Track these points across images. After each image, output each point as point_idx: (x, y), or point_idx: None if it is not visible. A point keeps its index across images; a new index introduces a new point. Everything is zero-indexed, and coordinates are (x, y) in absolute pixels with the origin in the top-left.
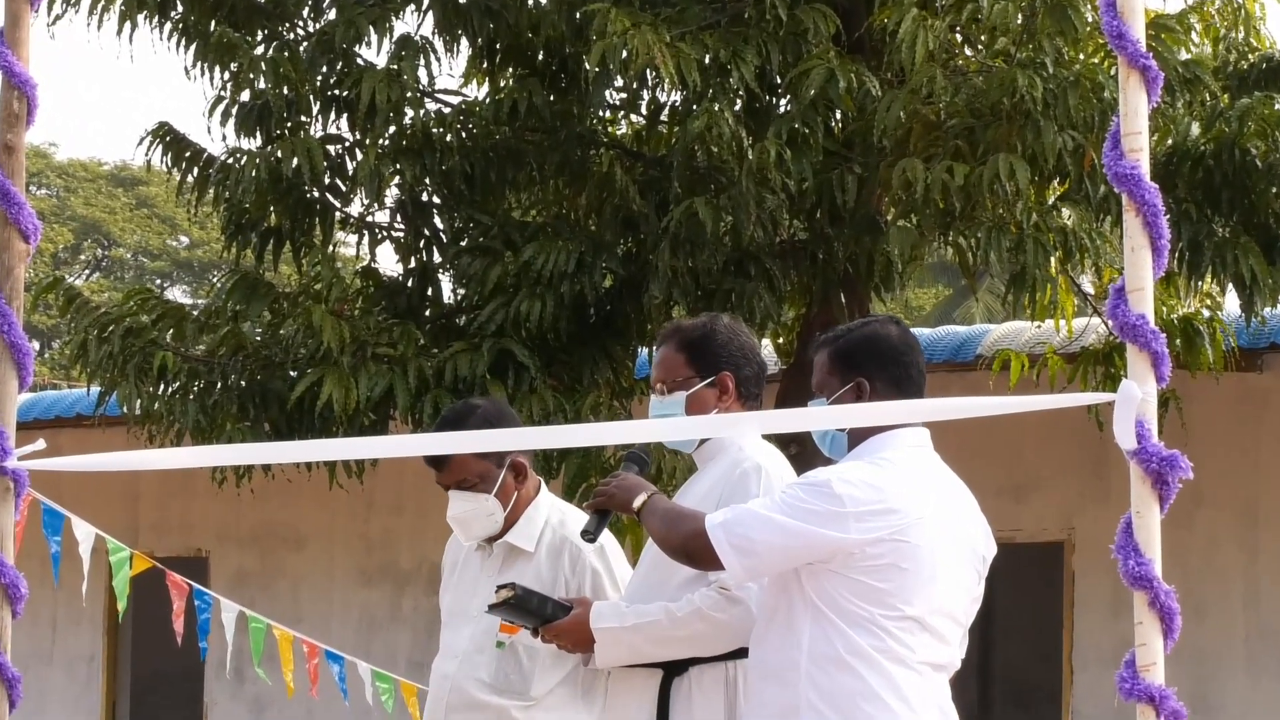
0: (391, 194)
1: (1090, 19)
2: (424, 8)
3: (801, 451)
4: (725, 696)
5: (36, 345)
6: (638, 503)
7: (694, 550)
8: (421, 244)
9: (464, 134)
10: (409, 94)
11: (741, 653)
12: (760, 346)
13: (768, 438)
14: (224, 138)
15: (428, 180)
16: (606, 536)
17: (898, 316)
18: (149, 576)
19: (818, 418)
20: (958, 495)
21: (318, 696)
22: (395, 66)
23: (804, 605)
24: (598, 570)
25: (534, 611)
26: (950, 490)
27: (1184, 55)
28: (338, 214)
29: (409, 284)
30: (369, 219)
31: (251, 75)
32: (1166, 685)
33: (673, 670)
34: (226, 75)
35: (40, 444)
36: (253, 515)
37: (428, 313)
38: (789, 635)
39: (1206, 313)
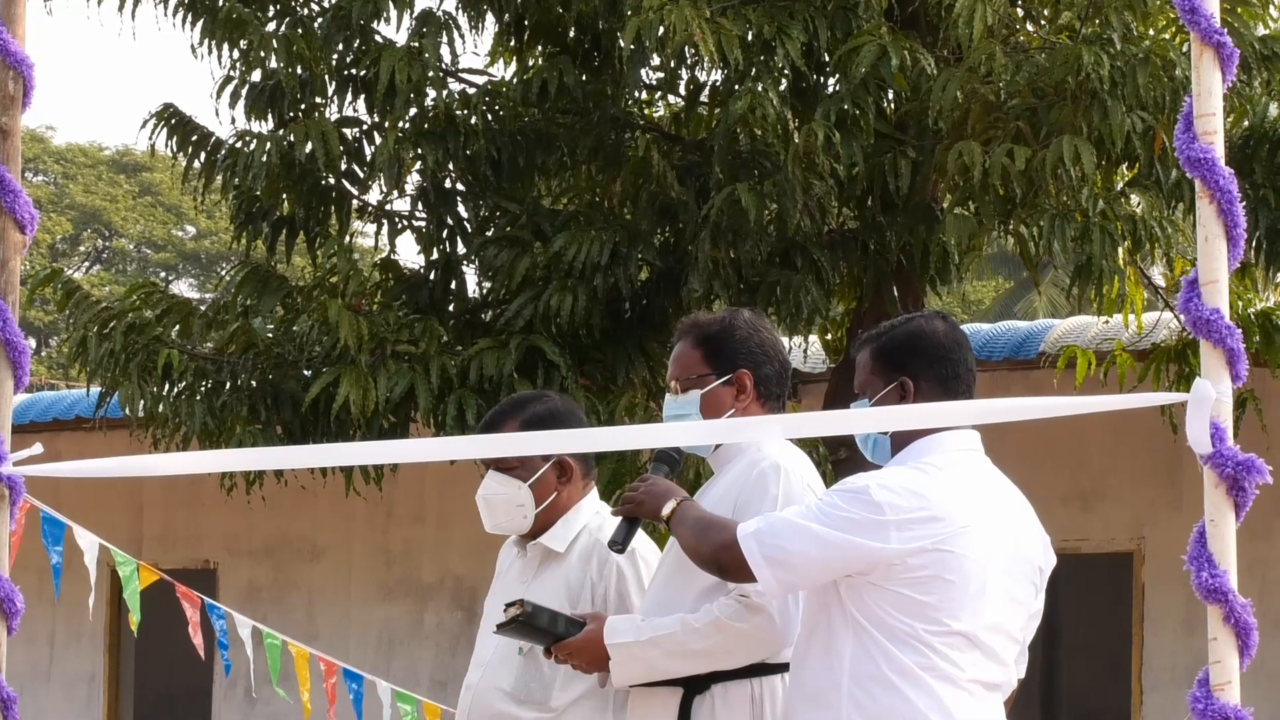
0: (412, 180)
1: None
2: None
3: (852, 456)
4: (751, 715)
5: (33, 342)
6: (666, 510)
7: (725, 562)
8: (444, 234)
9: (490, 116)
10: (431, 74)
11: (767, 668)
12: (784, 344)
13: (808, 441)
14: (233, 120)
15: (451, 166)
16: (642, 540)
17: (945, 312)
18: (152, 591)
19: (855, 421)
20: (1011, 502)
21: (335, 718)
22: (416, 44)
23: (844, 621)
24: (624, 574)
25: (544, 629)
26: (1002, 497)
27: (1261, 30)
28: (355, 202)
29: (431, 277)
30: (388, 207)
31: (262, 53)
32: (1243, 705)
33: (694, 688)
34: (235, 54)
35: (37, 448)
36: (264, 525)
37: (451, 308)
38: (829, 654)
39: None
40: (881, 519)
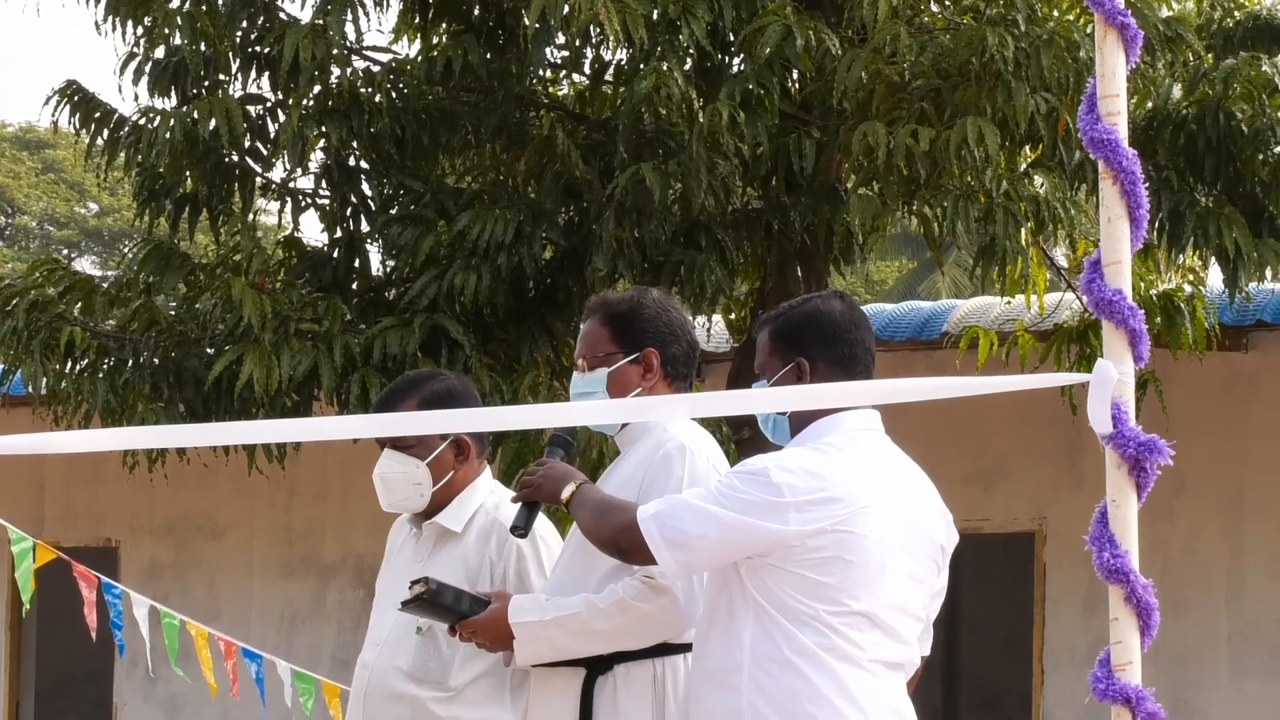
0: (316, 158)
1: None
2: None
3: (754, 435)
4: (654, 695)
5: None
6: (566, 493)
7: (625, 545)
8: (348, 212)
9: (394, 94)
10: (335, 51)
11: (669, 648)
12: (692, 324)
13: (711, 420)
14: (136, 97)
15: (355, 144)
16: (542, 521)
17: (844, 292)
18: (55, 569)
19: (758, 401)
20: (911, 481)
21: (238, 696)
22: (320, 21)
23: (745, 603)
24: (524, 554)
25: (449, 607)
26: (902, 476)
27: (1165, 12)
28: (258, 179)
29: (335, 255)
30: (292, 185)
31: (166, 30)
32: (1144, 686)
33: (597, 668)
34: (140, 30)
35: None
36: (166, 503)
37: (355, 286)
38: (730, 636)
39: (1188, 288)
40: (780, 500)
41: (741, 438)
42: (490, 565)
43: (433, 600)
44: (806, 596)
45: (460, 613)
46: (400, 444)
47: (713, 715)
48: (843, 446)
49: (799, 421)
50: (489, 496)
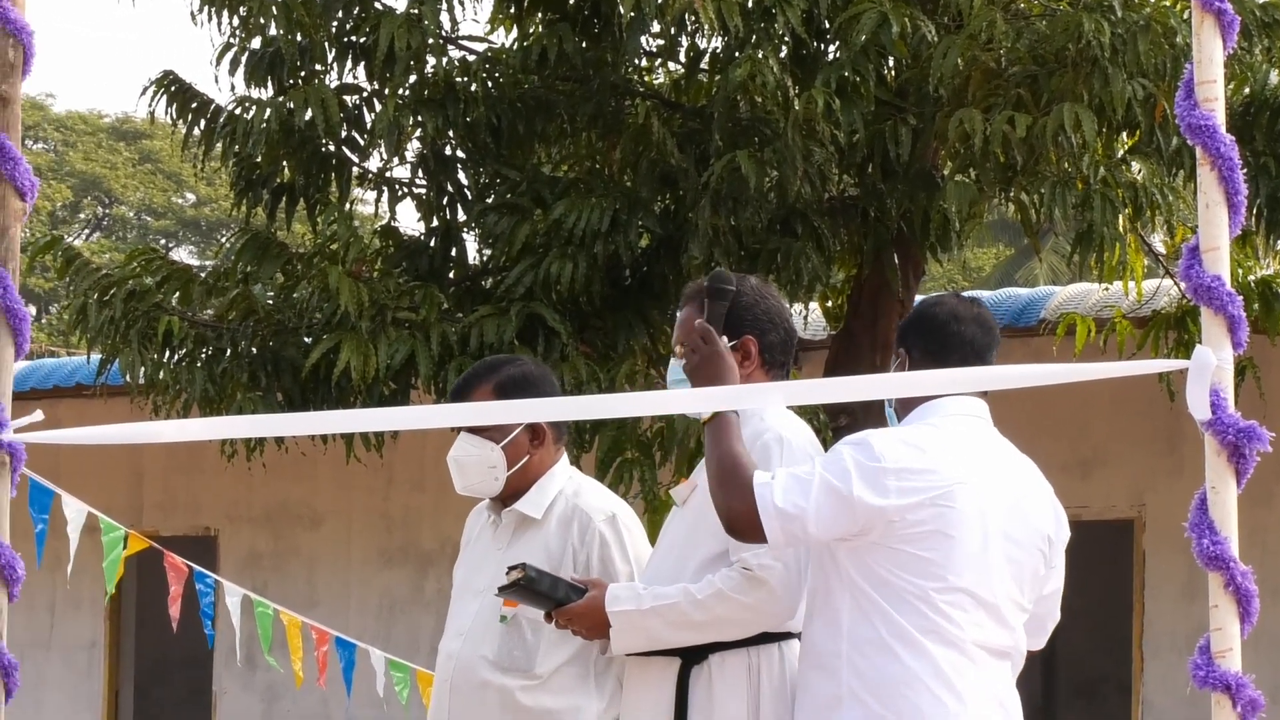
0: (412, 148)
1: None
2: None
3: (852, 423)
4: (749, 685)
5: (33, 310)
6: (707, 413)
7: (739, 510)
8: (445, 201)
9: (490, 83)
10: (430, 40)
11: (765, 638)
12: (791, 311)
13: (807, 408)
14: (233, 88)
15: (451, 133)
16: (621, 505)
17: (967, 294)
18: (155, 558)
19: (857, 388)
20: (1017, 468)
21: (325, 686)
22: (416, 11)
23: (843, 586)
24: (607, 541)
25: (545, 594)
26: (1006, 461)
27: None
28: (355, 169)
29: (431, 244)
30: (388, 174)
31: (262, 20)
32: (1243, 672)
33: (692, 658)
34: (235, 20)
35: (38, 415)
36: (265, 492)
37: (451, 275)
38: (829, 620)
39: None
40: (880, 467)
41: (839, 425)
42: (573, 552)
43: (529, 586)
44: (908, 573)
45: (556, 599)
46: (475, 427)
47: (815, 699)
48: (942, 426)
49: (902, 410)
50: (567, 483)
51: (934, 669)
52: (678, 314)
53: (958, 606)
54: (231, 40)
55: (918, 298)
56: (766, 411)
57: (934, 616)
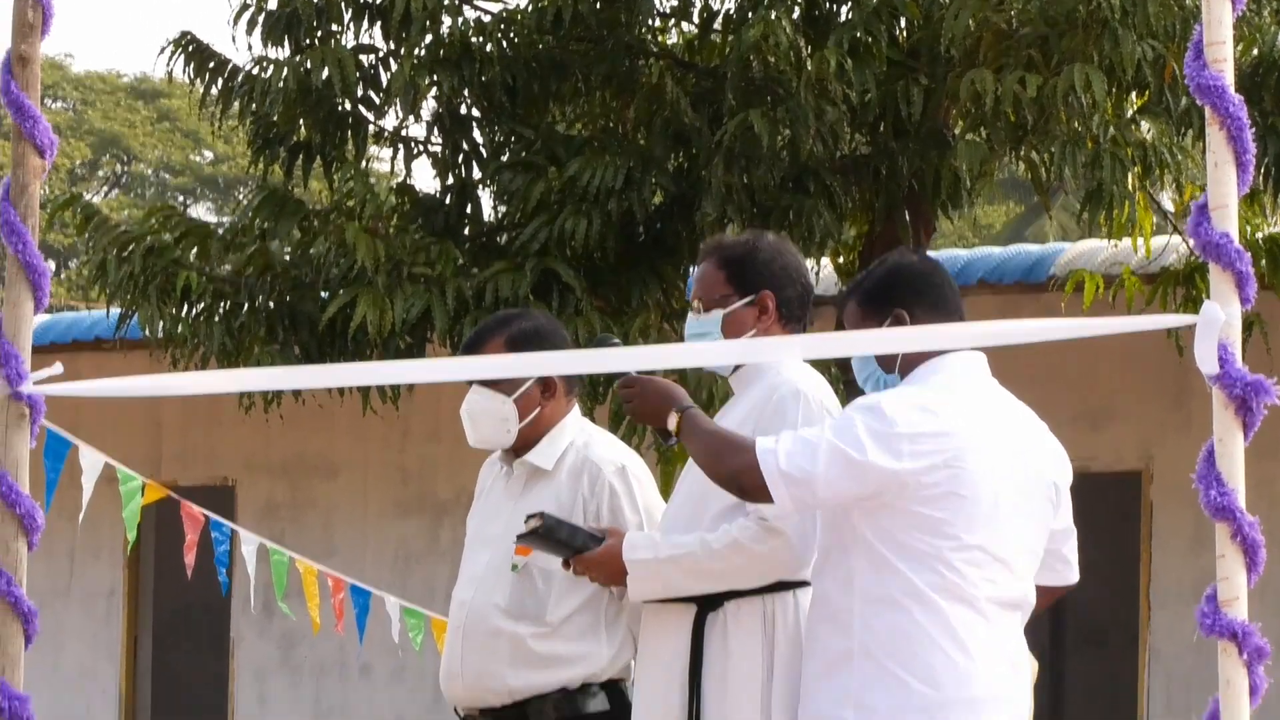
0: (428, 106)
1: None
2: None
3: None
4: (763, 632)
5: (53, 265)
6: (673, 421)
7: (746, 483)
8: (460, 159)
9: (505, 43)
10: (446, 1)
11: (781, 586)
12: (808, 267)
13: (820, 362)
14: (250, 47)
15: (466, 92)
16: (631, 457)
17: (913, 248)
18: (174, 507)
19: (874, 341)
20: (1019, 419)
21: (343, 633)
22: None
23: (856, 543)
24: (617, 491)
25: (564, 542)
26: (1010, 414)
27: None
28: (371, 127)
29: (447, 201)
30: (404, 133)
31: None
32: (1250, 621)
33: (707, 605)
34: None
35: (57, 368)
36: (282, 443)
37: (467, 231)
38: (842, 576)
39: None
40: (893, 432)
41: (852, 378)
42: (583, 502)
43: (548, 534)
44: (922, 532)
45: (574, 547)
46: (487, 380)
47: (827, 654)
48: (950, 386)
49: (905, 368)
50: (578, 434)
51: (946, 626)
52: (694, 270)
53: (972, 564)
54: (248, 1)
55: (928, 254)
56: (783, 366)
57: (948, 574)
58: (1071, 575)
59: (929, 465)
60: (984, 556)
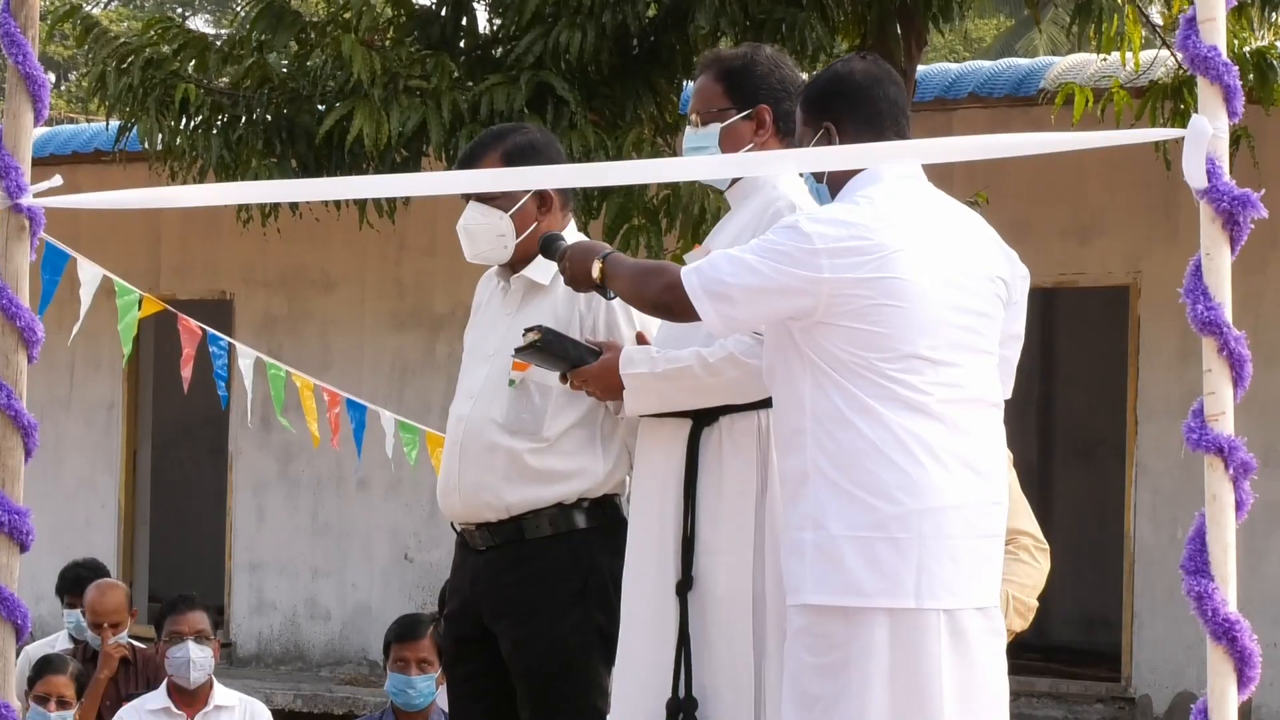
0: None
1: None
2: None
3: None
4: (757, 446)
5: (52, 77)
6: (595, 269)
7: (670, 301)
8: None
9: None
10: None
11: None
12: (804, 81)
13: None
14: None
15: None
16: None
17: (868, 54)
18: (173, 320)
19: (870, 153)
20: (957, 219)
21: (339, 447)
22: None
23: (802, 363)
24: (613, 307)
25: (561, 355)
26: (946, 216)
27: None
28: None
29: (442, 13)
30: None
31: None
32: (1236, 435)
33: (702, 419)
34: None
35: (57, 180)
36: (280, 256)
37: (462, 44)
38: (792, 397)
39: None
40: (812, 248)
41: None
42: (580, 317)
43: (545, 348)
44: (857, 347)
45: (571, 361)
46: (484, 196)
47: (785, 476)
48: (877, 197)
49: (833, 184)
50: None
51: (894, 438)
52: (693, 83)
53: (912, 371)
54: None
55: (920, 68)
56: (779, 180)
57: (890, 385)
58: (1008, 389)
59: (854, 280)
60: (924, 363)
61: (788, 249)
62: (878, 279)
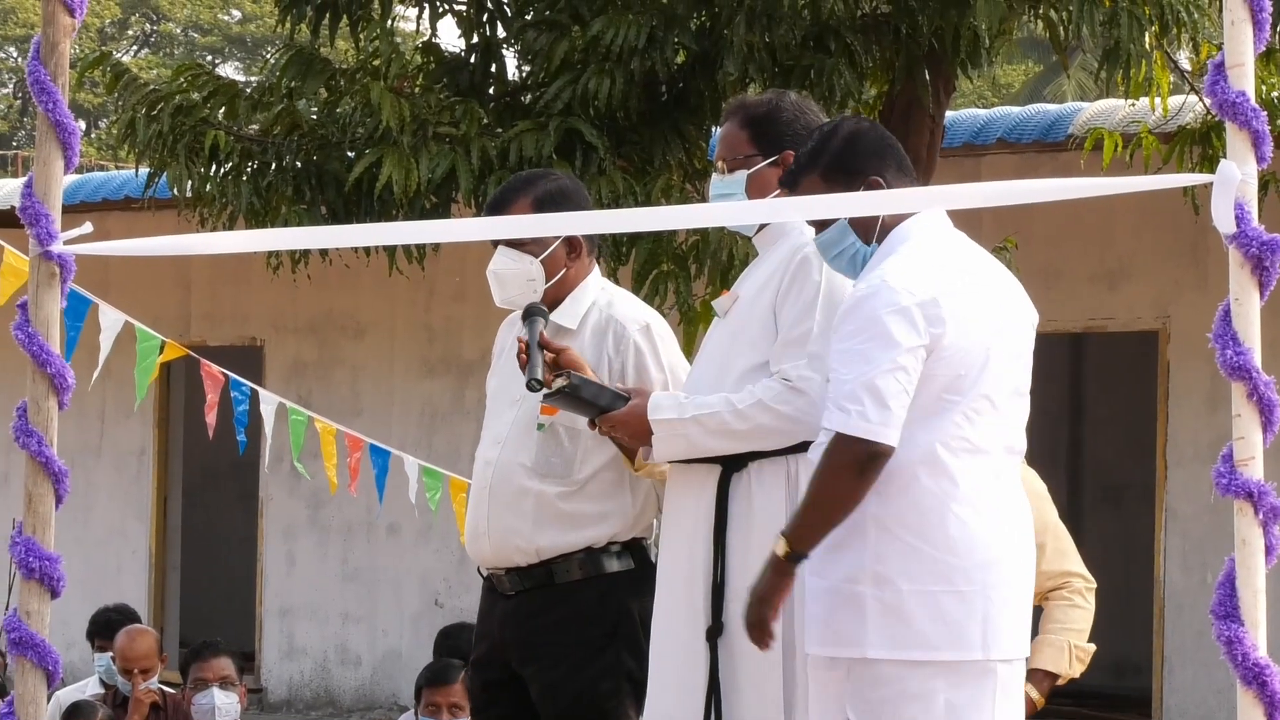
0: None
1: None
2: None
3: None
4: (786, 491)
5: (83, 124)
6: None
7: (855, 465)
8: (485, 18)
9: None
10: None
11: (804, 446)
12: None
13: None
14: None
15: None
16: (654, 316)
17: (846, 117)
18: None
19: (898, 200)
20: (992, 266)
21: (356, 493)
22: None
23: None
24: (642, 350)
25: (591, 401)
26: (985, 263)
27: None
28: None
29: (472, 60)
30: None
31: None
32: (1265, 480)
33: (732, 465)
34: None
35: (87, 227)
36: (310, 303)
37: (491, 90)
38: None
39: None
40: (906, 306)
41: None
42: (608, 361)
43: (574, 394)
44: (939, 390)
45: (600, 406)
46: (514, 241)
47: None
48: (927, 246)
49: (866, 231)
50: (600, 294)
51: (955, 487)
52: (718, 130)
53: (979, 413)
54: None
55: (948, 114)
56: (805, 225)
57: (963, 427)
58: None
59: (939, 332)
60: (987, 405)
61: (890, 320)
62: (952, 322)
